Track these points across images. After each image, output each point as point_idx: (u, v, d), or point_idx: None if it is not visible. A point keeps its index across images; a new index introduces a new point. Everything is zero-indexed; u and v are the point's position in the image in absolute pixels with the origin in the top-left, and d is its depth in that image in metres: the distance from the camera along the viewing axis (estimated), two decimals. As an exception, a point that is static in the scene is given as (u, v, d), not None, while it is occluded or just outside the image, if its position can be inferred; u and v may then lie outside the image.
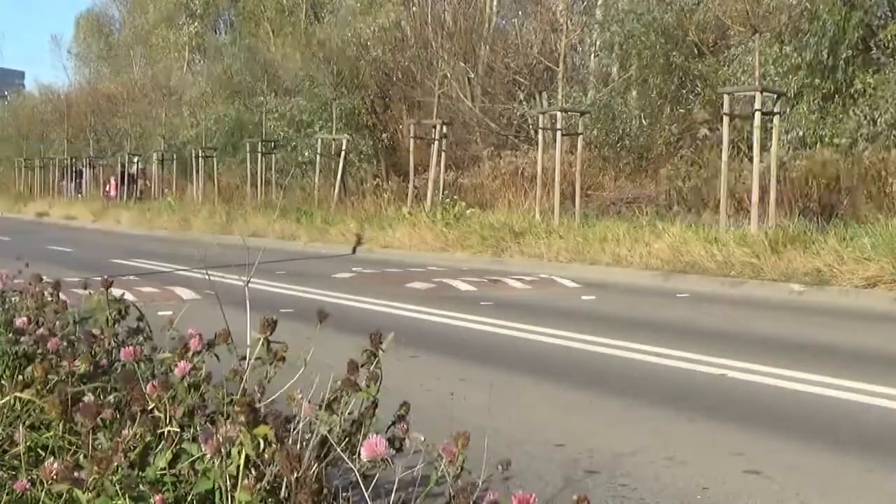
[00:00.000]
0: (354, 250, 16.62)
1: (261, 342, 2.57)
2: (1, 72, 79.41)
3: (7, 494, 2.21)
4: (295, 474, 1.81)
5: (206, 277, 10.30)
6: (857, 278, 9.64)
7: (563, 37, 18.14)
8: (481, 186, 20.06)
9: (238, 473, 2.09)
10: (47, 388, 2.69)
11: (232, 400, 2.49)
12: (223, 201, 25.65)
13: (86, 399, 2.42)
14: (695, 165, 17.42)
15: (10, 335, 3.22)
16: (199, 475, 2.21)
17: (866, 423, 4.52)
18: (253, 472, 2.09)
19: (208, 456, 2.11)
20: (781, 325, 8.02)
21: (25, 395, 2.66)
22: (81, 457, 2.32)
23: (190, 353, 2.70)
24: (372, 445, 2.04)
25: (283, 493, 2.10)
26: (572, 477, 3.51)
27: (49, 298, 3.76)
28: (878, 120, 16.09)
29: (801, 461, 3.85)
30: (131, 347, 2.84)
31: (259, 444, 2.07)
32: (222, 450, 2.09)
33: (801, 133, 16.58)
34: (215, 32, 41.99)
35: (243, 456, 2.07)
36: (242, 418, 2.02)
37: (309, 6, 33.51)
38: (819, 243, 10.64)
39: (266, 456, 2.11)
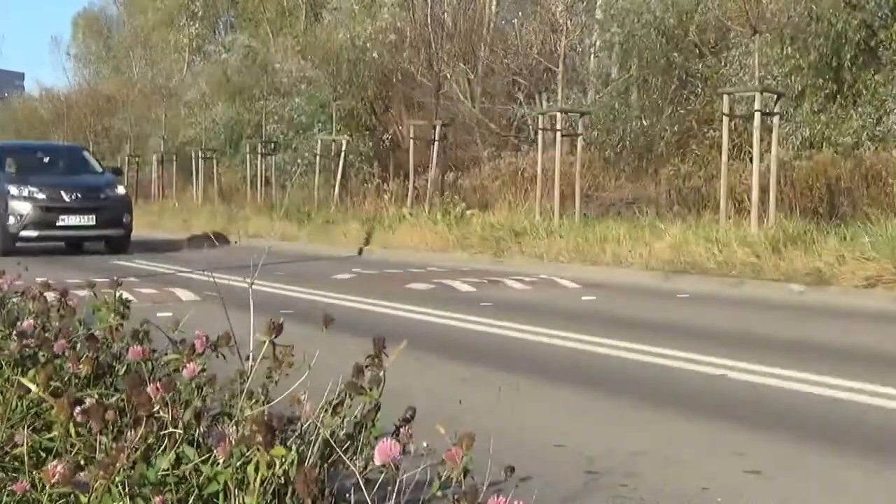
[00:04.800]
0: (361, 251, 16.60)
1: (266, 344, 2.59)
2: (1, 73, 79.36)
3: (7, 496, 2.22)
4: (311, 497, 1.81)
5: (210, 279, 10.31)
6: (857, 278, 9.65)
7: (562, 37, 18.16)
8: (481, 187, 20.07)
9: (246, 476, 2.10)
10: (50, 390, 2.70)
11: (234, 404, 2.50)
12: (223, 202, 25.69)
13: (88, 401, 2.43)
14: (695, 165, 17.43)
15: (14, 337, 3.23)
16: (205, 478, 2.22)
17: (866, 423, 4.53)
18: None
19: (221, 459, 2.12)
20: (782, 325, 8.03)
21: (32, 386, 2.67)
22: (82, 459, 2.33)
23: (195, 355, 2.71)
24: (385, 449, 2.03)
25: (288, 496, 2.11)
26: (572, 477, 3.52)
27: (55, 303, 3.77)
28: (885, 119, 16.11)
29: (801, 461, 3.86)
30: (139, 347, 2.85)
31: (274, 463, 2.07)
32: (234, 454, 2.10)
33: (805, 134, 16.60)
34: (215, 34, 41.97)
35: (254, 468, 2.08)
36: (259, 438, 2.02)
37: (309, 7, 33.51)
38: (820, 243, 10.65)
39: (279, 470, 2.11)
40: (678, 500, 3.32)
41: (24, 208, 15.41)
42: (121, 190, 16.71)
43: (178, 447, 2.29)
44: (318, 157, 22.79)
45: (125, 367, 3.11)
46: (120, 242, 16.27)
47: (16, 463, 2.51)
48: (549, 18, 22.05)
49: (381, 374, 2.57)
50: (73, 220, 15.51)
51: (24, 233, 15.42)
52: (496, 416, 4.35)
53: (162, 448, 2.30)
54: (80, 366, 2.91)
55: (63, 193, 15.59)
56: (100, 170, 17.68)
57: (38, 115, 44.91)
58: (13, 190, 15.59)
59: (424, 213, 17.42)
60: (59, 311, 3.74)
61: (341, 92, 24.79)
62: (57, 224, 15.42)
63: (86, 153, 18.82)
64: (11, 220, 15.39)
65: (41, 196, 15.48)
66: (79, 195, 15.68)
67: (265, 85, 27.62)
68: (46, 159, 17.63)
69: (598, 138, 19.59)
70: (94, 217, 15.60)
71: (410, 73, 24.45)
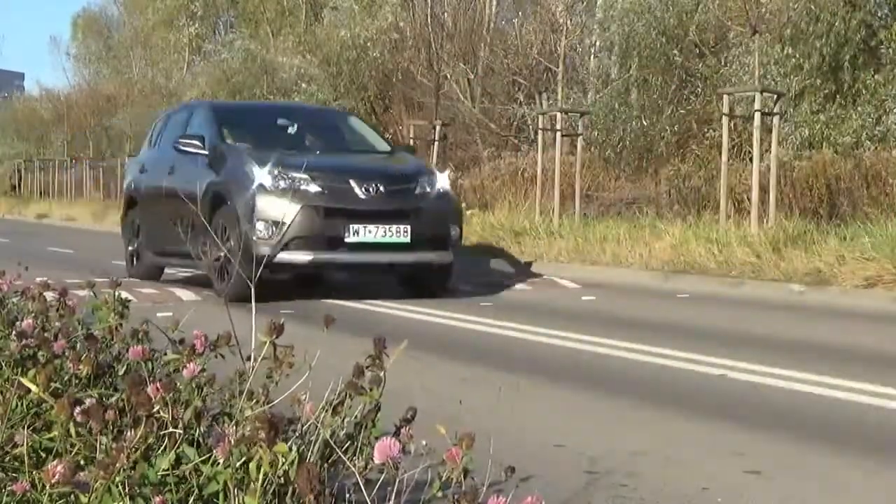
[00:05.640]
0: None
1: (266, 345, 2.59)
2: (1, 73, 79.44)
3: (7, 496, 2.22)
4: (313, 494, 1.80)
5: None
6: (857, 278, 9.65)
7: (562, 37, 18.17)
8: (481, 187, 20.08)
9: (247, 476, 2.10)
10: (50, 390, 2.70)
11: (234, 404, 2.50)
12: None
13: (88, 401, 2.43)
14: (695, 165, 17.45)
15: (13, 337, 3.24)
16: (205, 478, 2.22)
17: (866, 423, 4.53)
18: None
19: (221, 459, 2.13)
20: (781, 325, 8.03)
21: (32, 386, 2.68)
22: (82, 459, 2.34)
23: (195, 355, 2.72)
24: (385, 448, 2.03)
25: (288, 496, 2.11)
26: (572, 477, 3.52)
27: (54, 303, 3.78)
28: (885, 119, 16.13)
29: (801, 461, 3.86)
30: (139, 347, 2.86)
31: (277, 460, 2.07)
32: (234, 453, 2.10)
33: (804, 134, 16.62)
34: (215, 34, 42.02)
35: (256, 465, 2.08)
36: (262, 434, 2.01)
37: (309, 7, 33.53)
38: (819, 243, 10.66)
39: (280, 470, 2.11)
40: (678, 500, 3.32)
41: (286, 210, 8.58)
42: (443, 181, 9.45)
43: (178, 447, 2.30)
44: (318, 157, 22.78)
45: (125, 367, 3.11)
46: (441, 275, 9.52)
47: (16, 463, 2.52)
48: (549, 18, 22.07)
49: (382, 374, 2.57)
50: (371, 233, 8.70)
51: (284, 255, 8.62)
52: (496, 416, 4.34)
53: (162, 448, 2.31)
54: (80, 366, 2.91)
55: (353, 184, 8.82)
56: (386, 147, 10.67)
57: (38, 115, 44.93)
58: (263, 177, 8.77)
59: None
60: (58, 310, 3.74)
61: (342, 91, 24.79)
62: (345, 240, 8.66)
63: (354, 120, 11.84)
64: (261, 229, 8.64)
65: (314, 188, 8.71)
66: (380, 188, 8.88)
67: (265, 84, 27.63)
68: (292, 129, 10.48)
69: (598, 138, 19.60)
70: (409, 228, 8.81)
71: (410, 73, 24.47)
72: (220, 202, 9.04)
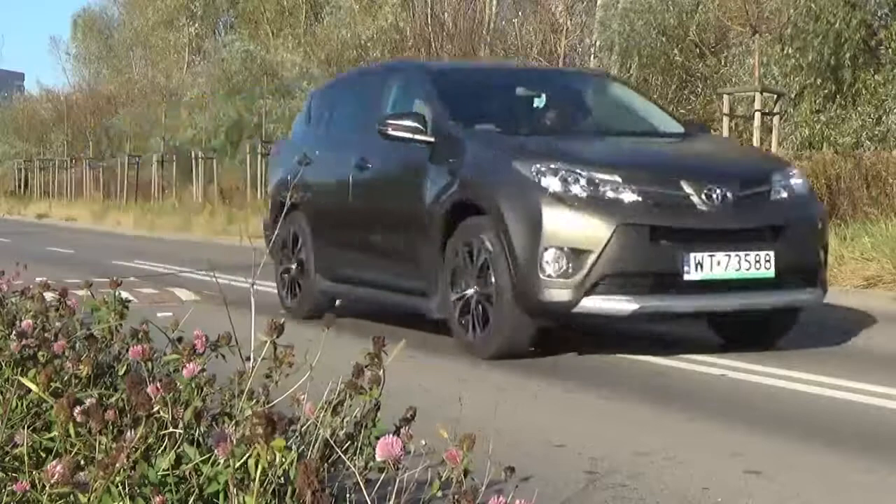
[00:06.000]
0: None
1: (266, 344, 2.59)
2: (1, 73, 79.48)
3: (7, 496, 2.23)
4: (311, 489, 1.80)
5: (211, 278, 10.31)
6: (857, 278, 9.64)
7: (562, 37, 18.18)
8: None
9: (247, 475, 2.11)
10: (49, 391, 2.71)
11: (234, 404, 2.51)
12: (224, 202, 25.72)
13: (88, 401, 2.44)
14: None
15: (13, 336, 3.24)
16: (205, 478, 2.22)
17: (866, 423, 4.53)
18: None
19: (222, 459, 2.13)
20: (781, 325, 8.00)
21: (32, 386, 2.68)
22: (82, 459, 2.34)
23: (195, 355, 2.72)
24: (387, 445, 2.03)
25: (288, 496, 2.12)
26: (572, 477, 3.52)
27: (54, 303, 3.78)
28: (885, 119, 16.15)
29: (801, 461, 3.86)
30: (139, 347, 2.86)
31: (275, 456, 2.07)
32: (235, 453, 2.10)
33: (804, 133, 16.64)
34: (215, 34, 42.05)
35: (255, 462, 2.08)
36: (260, 430, 2.01)
37: (309, 7, 33.54)
38: (819, 243, 10.66)
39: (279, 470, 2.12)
40: (678, 500, 3.32)
41: (592, 231, 5.60)
42: (799, 180, 6.38)
43: (178, 447, 2.30)
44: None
45: (125, 367, 3.12)
46: (788, 318, 6.53)
47: (16, 463, 2.52)
48: (549, 18, 22.07)
49: (381, 373, 2.57)
50: (721, 264, 5.69)
51: (591, 303, 5.67)
52: (496, 416, 4.34)
53: (162, 448, 2.31)
54: (80, 366, 2.91)
55: (687, 189, 5.79)
56: (678, 126, 7.35)
57: (39, 115, 44.95)
58: (549, 179, 5.75)
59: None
60: (58, 310, 3.74)
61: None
62: (683, 277, 5.66)
63: (618, 87, 8.37)
64: (549, 261, 5.61)
65: (630, 196, 5.71)
66: (727, 194, 5.82)
67: (265, 84, 27.66)
68: (540, 102, 7.42)
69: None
70: (772, 256, 5.84)
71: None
72: (464, 215, 6.11)
